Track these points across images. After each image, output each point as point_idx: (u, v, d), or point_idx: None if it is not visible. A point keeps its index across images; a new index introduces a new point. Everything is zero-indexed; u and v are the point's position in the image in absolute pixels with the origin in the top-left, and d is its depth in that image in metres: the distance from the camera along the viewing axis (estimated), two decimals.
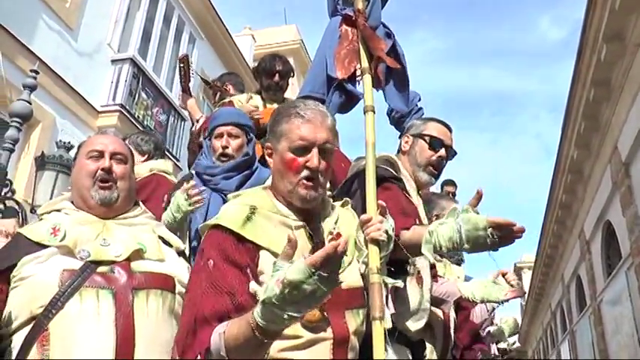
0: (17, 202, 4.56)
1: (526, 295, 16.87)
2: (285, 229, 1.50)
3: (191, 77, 3.84)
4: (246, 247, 1.45)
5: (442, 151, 2.31)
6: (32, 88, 4.98)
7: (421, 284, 1.87)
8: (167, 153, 7.20)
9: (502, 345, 4.68)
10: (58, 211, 1.79)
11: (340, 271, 1.49)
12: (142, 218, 1.87)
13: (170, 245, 1.84)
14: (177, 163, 8.74)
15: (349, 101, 2.16)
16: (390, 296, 1.69)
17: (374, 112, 1.88)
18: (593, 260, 9.53)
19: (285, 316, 1.13)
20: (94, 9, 8.36)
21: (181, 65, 3.78)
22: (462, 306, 3.29)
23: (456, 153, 2.40)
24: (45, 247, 1.64)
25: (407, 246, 1.69)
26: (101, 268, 1.62)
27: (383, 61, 2.05)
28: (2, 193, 4.40)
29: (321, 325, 1.40)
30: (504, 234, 1.59)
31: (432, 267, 2.23)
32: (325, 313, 1.42)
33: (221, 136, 2.54)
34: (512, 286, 2.50)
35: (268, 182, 1.70)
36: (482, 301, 2.65)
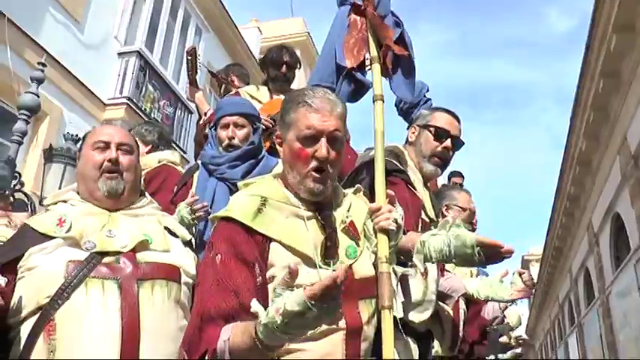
0: (26, 195, 4.59)
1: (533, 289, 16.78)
2: (296, 219, 1.50)
3: (198, 70, 3.84)
4: (256, 240, 1.44)
5: (447, 142, 2.28)
6: (40, 81, 5.00)
7: (425, 275, 1.86)
8: (174, 145, 7.22)
9: (504, 339, 4.67)
10: (65, 202, 1.80)
11: (353, 261, 1.50)
12: (148, 209, 1.87)
13: (176, 236, 1.84)
14: (185, 156, 8.75)
15: (359, 90, 2.14)
16: (399, 285, 1.68)
17: (383, 101, 1.87)
18: (602, 253, 9.49)
19: (288, 337, 1.16)
20: (100, 2, 8.37)
21: (189, 58, 3.77)
22: (474, 300, 3.28)
23: (463, 143, 2.36)
24: (51, 238, 1.65)
25: (399, 250, 1.70)
26: (107, 259, 1.63)
27: (391, 49, 2.03)
28: (11, 186, 4.43)
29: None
30: (492, 253, 1.60)
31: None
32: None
33: (227, 126, 2.53)
34: (527, 285, 2.46)
35: (278, 170, 1.69)
36: (486, 300, 2.63)
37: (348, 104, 2.20)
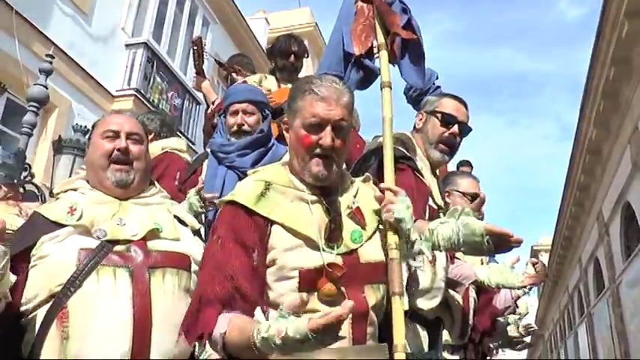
0: (36, 186, 4.62)
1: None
2: (301, 203, 1.51)
3: (205, 59, 3.83)
4: (258, 224, 1.47)
5: (454, 128, 2.26)
6: (48, 73, 5.01)
7: (434, 263, 1.85)
8: (180, 133, 7.23)
9: (513, 332, 4.67)
10: (75, 190, 1.80)
11: (358, 245, 1.49)
12: (158, 198, 1.88)
13: (185, 225, 1.84)
14: (193, 147, 8.78)
15: (367, 77, 2.13)
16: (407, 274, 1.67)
17: (390, 88, 1.85)
18: (612, 242, 9.43)
19: (283, 353, 1.19)
20: None
21: (195, 47, 3.77)
22: (485, 289, 3.25)
23: (470, 129, 2.34)
24: (62, 226, 1.66)
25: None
26: (118, 247, 1.64)
27: (399, 35, 2.01)
28: (21, 177, 4.45)
29: (338, 299, 1.39)
30: (501, 242, 1.59)
31: None
32: (343, 288, 1.41)
33: (236, 113, 2.53)
34: (538, 273, 2.45)
35: (286, 158, 1.69)
36: (497, 287, 2.61)
37: (356, 92, 2.20)
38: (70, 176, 5.01)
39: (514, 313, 4.08)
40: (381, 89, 1.87)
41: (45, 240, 1.62)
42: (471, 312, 3.11)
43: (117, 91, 8.35)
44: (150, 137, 2.99)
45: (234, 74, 3.83)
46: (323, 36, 15.49)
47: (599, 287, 11.19)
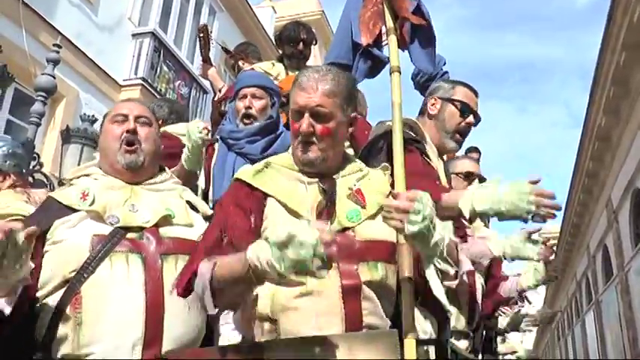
0: (45, 175, 4.66)
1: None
2: (297, 183, 1.58)
3: (211, 47, 3.82)
4: (256, 196, 1.56)
5: (470, 118, 2.25)
6: (56, 62, 5.03)
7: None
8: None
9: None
10: (87, 176, 1.81)
11: (354, 224, 1.50)
12: (169, 184, 1.89)
13: (197, 211, 1.85)
14: None
15: (376, 66, 2.12)
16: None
17: (400, 73, 1.84)
18: (621, 230, 9.37)
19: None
20: None
21: (201, 35, 3.76)
22: (492, 274, 3.26)
23: (480, 119, 2.33)
24: (75, 211, 1.67)
25: (444, 208, 1.69)
26: (130, 234, 1.65)
27: (408, 20, 2.00)
28: (30, 167, 4.48)
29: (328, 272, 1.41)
30: (542, 206, 1.59)
31: (459, 227, 2.21)
32: (335, 263, 1.40)
33: (244, 97, 2.52)
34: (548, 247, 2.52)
35: None
36: (513, 259, 2.62)
37: (366, 80, 2.19)
38: (78, 165, 5.04)
39: (516, 304, 4.12)
40: (390, 74, 1.86)
41: (58, 224, 1.64)
42: (479, 298, 3.12)
43: (124, 80, 8.37)
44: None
45: (240, 62, 3.83)
46: (330, 24, 15.41)
47: (607, 275, 11.14)
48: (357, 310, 1.43)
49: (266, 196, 1.55)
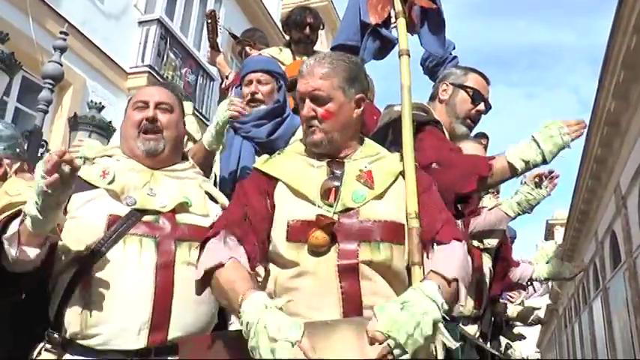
0: None
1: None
2: (306, 166, 1.59)
3: (219, 33, 3.81)
4: (269, 181, 1.60)
5: (482, 106, 2.29)
6: (62, 50, 5.02)
7: None
8: (195, 109, 7.22)
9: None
10: (110, 157, 1.82)
11: (358, 204, 1.50)
12: (190, 172, 1.88)
13: (216, 202, 1.85)
14: (207, 123, 8.79)
15: (385, 46, 2.11)
16: None
17: (409, 56, 1.83)
18: (630, 216, 9.32)
19: None
20: None
21: (208, 21, 3.74)
22: (502, 257, 3.27)
23: (491, 107, 2.36)
24: (94, 187, 1.68)
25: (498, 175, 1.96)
26: (146, 217, 1.65)
27: (416, 3, 1.98)
28: (38, 154, 4.50)
29: (325, 250, 1.43)
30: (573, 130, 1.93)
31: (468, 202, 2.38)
32: (335, 241, 1.44)
33: (250, 82, 2.52)
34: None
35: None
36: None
37: (373, 63, 2.19)
38: None
39: (524, 289, 4.14)
40: (399, 57, 1.85)
41: (76, 198, 1.64)
42: (487, 282, 3.13)
43: (130, 68, 8.36)
44: None
45: (248, 48, 3.81)
46: (337, 10, 15.29)
47: (615, 261, 11.11)
48: (355, 290, 1.41)
49: (276, 180, 1.58)
